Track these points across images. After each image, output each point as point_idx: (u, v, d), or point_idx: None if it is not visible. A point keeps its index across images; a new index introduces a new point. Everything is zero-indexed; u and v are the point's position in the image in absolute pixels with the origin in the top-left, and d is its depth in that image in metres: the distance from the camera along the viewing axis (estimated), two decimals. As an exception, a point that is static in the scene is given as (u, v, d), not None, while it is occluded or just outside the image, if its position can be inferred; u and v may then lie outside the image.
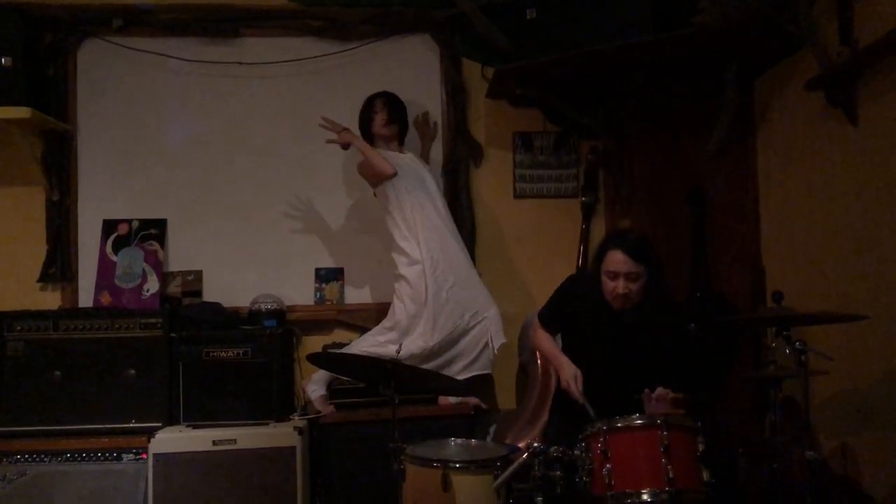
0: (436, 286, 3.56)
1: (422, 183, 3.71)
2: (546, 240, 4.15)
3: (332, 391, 3.65)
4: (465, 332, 3.60)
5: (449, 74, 4.12)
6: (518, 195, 4.19)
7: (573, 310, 2.99)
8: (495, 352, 3.61)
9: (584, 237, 4.05)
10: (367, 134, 3.79)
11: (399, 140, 3.84)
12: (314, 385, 3.65)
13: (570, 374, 2.84)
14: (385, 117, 3.77)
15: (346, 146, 3.72)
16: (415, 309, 3.57)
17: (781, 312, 2.87)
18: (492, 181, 4.18)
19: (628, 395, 2.79)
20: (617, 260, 2.77)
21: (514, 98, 4.06)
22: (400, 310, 3.63)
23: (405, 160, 3.77)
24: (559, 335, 3.12)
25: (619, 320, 2.86)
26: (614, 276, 2.79)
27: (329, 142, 3.71)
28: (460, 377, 3.55)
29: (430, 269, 3.56)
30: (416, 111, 4.09)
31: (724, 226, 3.81)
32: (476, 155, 4.15)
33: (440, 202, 3.75)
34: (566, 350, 3.04)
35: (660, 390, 2.74)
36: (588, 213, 4.10)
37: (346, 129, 3.69)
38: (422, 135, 4.10)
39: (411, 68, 4.13)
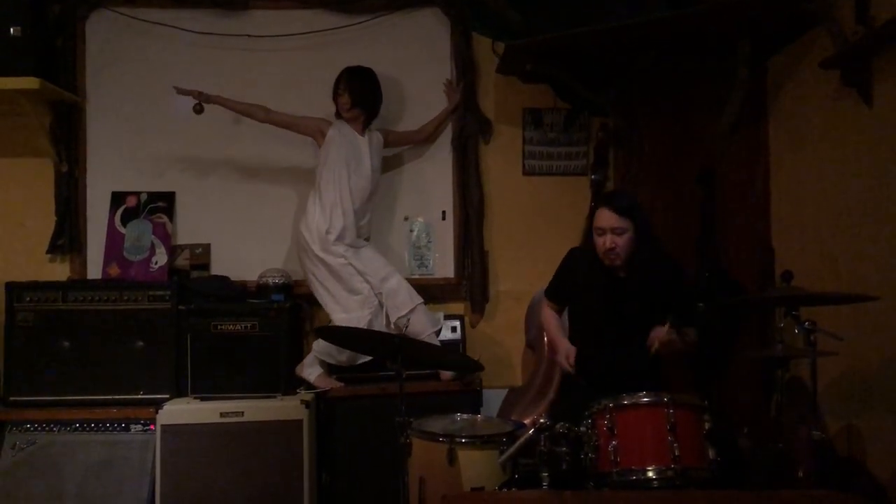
0: (343, 257, 3.61)
1: (353, 159, 3.69)
2: (554, 217, 4.13)
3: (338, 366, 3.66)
4: (377, 306, 3.64)
5: (459, 49, 4.09)
6: (527, 172, 4.17)
7: (575, 279, 3.09)
8: (392, 325, 3.61)
9: (593, 215, 4.02)
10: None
11: (364, 121, 3.78)
12: (309, 368, 3.65)
13: (564, 350, 3.00)
14: (348, 101, 3.72)
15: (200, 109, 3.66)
16: (340, 284, 3.63)
17: (790, 292, 2.86)
18: (500, 158, 4.16)
19: (634, 355, 2.88)
20: (604, 216, 2.92)
21: (525, 74, 4.02)
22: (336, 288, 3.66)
23: (352, 138, 3.73)
24: (567, 309, 3.19)
25: (614, 277, 2.96)
26: (602, 231, 2.92)
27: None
28: None
29: (334, 241, 3.61)
30: (425, 86, 4.09)
31: (734, 205, 3.78)
32: (485, 131, 4.13)
33: (369, 182, 3.72)
34: (573, 318, 3.13)
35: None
36: (597, 191, 4.05)
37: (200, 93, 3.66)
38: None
39: (421, 42, 4.11)
